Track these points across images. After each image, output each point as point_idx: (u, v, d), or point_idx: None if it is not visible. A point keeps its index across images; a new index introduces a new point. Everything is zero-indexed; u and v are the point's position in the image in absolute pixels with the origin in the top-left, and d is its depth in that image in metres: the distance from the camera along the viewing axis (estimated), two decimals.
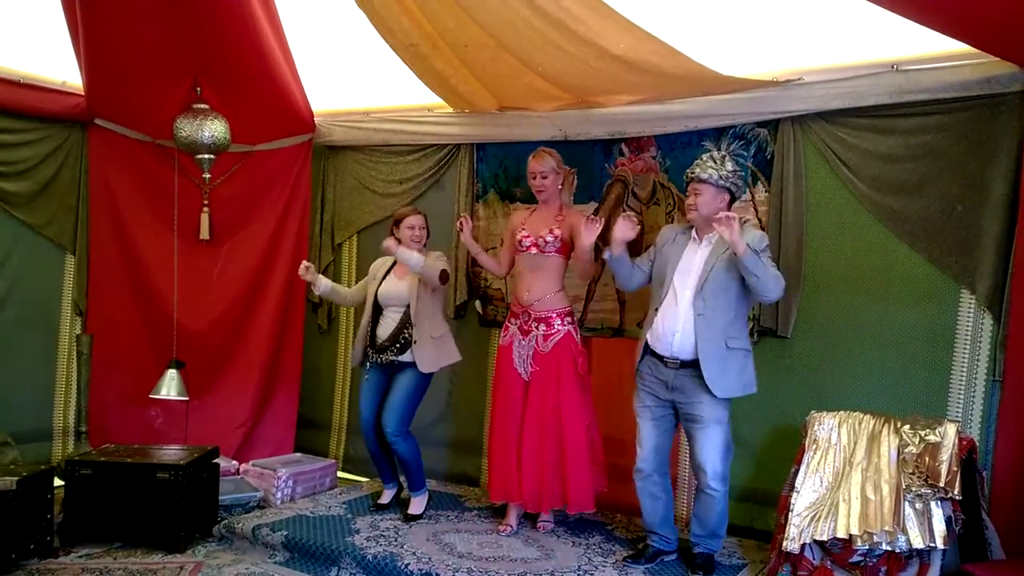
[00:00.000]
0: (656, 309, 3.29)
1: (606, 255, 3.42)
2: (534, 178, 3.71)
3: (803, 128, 3.56)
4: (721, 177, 3.17)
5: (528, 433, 3.63)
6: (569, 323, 3.69)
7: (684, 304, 3.19)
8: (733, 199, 3.28)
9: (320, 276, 4.06)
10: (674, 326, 3.20)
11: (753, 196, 3.72)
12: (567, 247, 3.68)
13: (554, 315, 3.66)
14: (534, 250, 3.68)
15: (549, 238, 3.64)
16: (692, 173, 3.22)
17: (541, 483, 3.64)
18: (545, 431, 3.61)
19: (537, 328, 3.66)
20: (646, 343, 3.31)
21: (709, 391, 3.14)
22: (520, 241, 3.71)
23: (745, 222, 3.67)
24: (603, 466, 3.80)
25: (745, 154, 3.72)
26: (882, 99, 3.34)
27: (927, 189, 3.30)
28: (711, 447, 3.19)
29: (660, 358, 3.26)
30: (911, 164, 3.33)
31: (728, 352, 3.15)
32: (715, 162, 3.19)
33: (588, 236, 3.42)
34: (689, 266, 3.24)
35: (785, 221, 3.59)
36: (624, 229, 3.31)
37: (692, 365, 3.17)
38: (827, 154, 3.52)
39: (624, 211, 4.04)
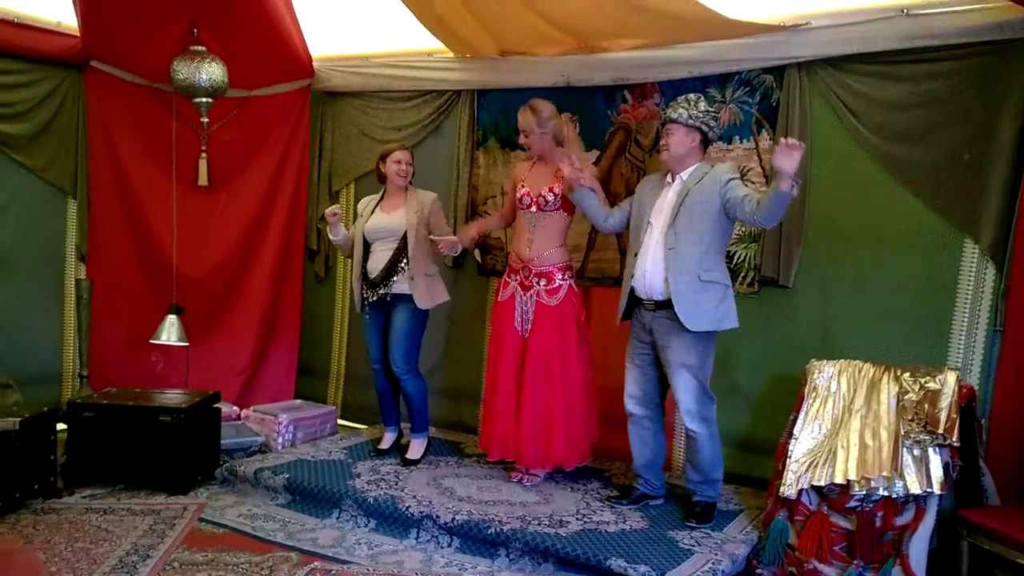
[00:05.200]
0: (635, 254, 3.30)
1: (570, 194, 3.45)
2: (519, 133, 3.65)
3: (809, 74, 3.51)
4: (691, 116, 3.16)
5: (528, 389, 3.59)
6: (569, 277, 3.68)
7: (655, 242, 3.22)
8: (707, 140, 3.26)
9: (342, 226, 4.00)
10: (644, 266, 3.24)
11: (757, 144, 3.68)
12: (569, 203, 3.63)
13: (555, 270, 3.64)
14: (535, 208, 3.64)
15: (550, 197, 3.59)
16: (664, 115, 3.24)
17: (540, 440, 3.61)
18: (546, 386, 3.58)
19: (538, 283, 3.64)
20: (630, 289, 3.32)
21: (679, 334, 3.16)
22: (520, 199, 3.67)
23: (748, 171, 3.67)
24: (596, 417, 3.80)
25: (750, 101, 3.67)
26: (891, 44, 3.28)
27: (934, 137, 3.27)
28: (681, 389, 3.22)
29: (640, 301, 3.29)
30: (918, 111, 3.29)
31: (702, 285, 3.15)
32: (688, 103, 3.19)
33: (568, 178, 3.40)
34: (662, 205, 3.26)
35: None
36: (570, 176, 3.34)
37: (666, 306, 3.18)
38: (833, 101, 3.48)
39: (627, 159, 4.01)
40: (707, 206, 3.14)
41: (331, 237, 4.04)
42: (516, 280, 3.71)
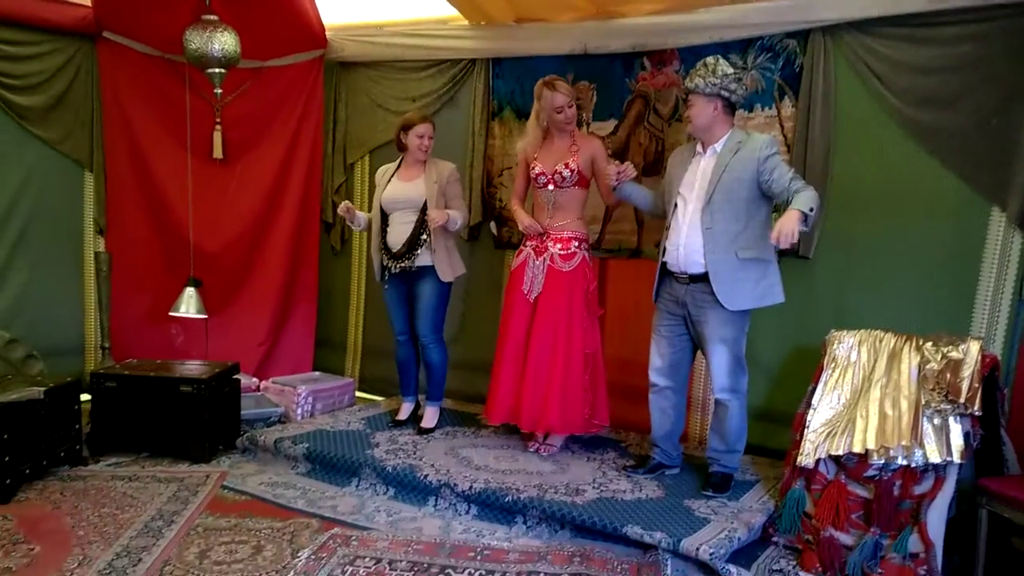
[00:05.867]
0: (667, 227, 3.28)
1: (616, 194, 3.47)
2: (560, 111, 3.54)
3: (834, 39, 3.44)
4: (708, 84, 3.08)
5: (533, 352, 3.59)
6: (585, 249, 3.66)
7: (690, 218, 3.17)
8: (732, 106, 3.17)
9: (359, 212, 3.98)
10: (678, 240, 3.19)
11: (779, 111, 3.62)
12: (585, 178, 3.61)
13: (571, 237, 3.63)
14: (551, 187, 3.61)
15: (566, 173, 3.56)
16: (683, 85, 3.18)
17: (537, 402, 3.59)
18: (549, 350, 3.56)
19: (553, 247, 3.62)
20: (662, 263, 3.30)
21: (715, 309, 3.14)
22: (536, 178, 3.64)
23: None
24: (604, 395, 3.77)
25: (772, 67, 3.61)
26: (919, 6, 3.20)
27: (962, 102, 3.20)
28: (716, 363, 3.21)
29: (672, 274, 3.26)
30: (946, 75, 3.22)
31: (740, 263, 3.10)
32: (706, 68, 3.10)
33: (612, 181, 3.39)
34: (694, 179, 3.19)
35: (812, 137, 3.50)
36: (610, 177, 3.34)
37: (702, 280, 3.15)
38: (858, 66, 3.41)
39: (645, 128, 3.97)
40: (743, 183, 3.08)
41: (355, 229, 4.04)
42: (531, 246, 3.70)
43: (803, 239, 3.54)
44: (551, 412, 3.57)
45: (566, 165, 3.56)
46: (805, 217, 2.87)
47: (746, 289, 3.12)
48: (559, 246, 3.62)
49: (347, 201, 3.98)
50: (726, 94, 3.11)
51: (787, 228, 2.83)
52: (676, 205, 3.23)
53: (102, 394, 3.74)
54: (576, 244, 3.63)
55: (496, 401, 3.71)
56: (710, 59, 3.13)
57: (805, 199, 2.91)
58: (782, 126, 3.61)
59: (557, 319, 3.58)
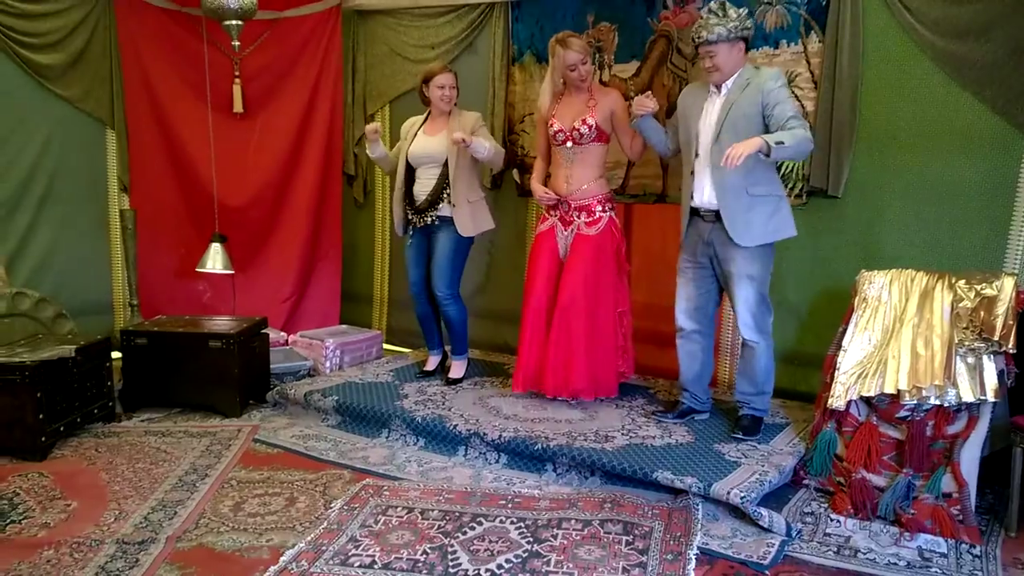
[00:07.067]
0: (691, 172, 3.23)
1: (631, 123, 3.39)
2: (574, 69, 3.47)
3: None
4: (729, 31, 3.02)
5: (557, 316, 3.52)
6: (610, 209, 3.61)
7: (705, 157, 3.15)
8: (748, 45, 3.13)
9: (380, 143, 3.95)
10: (702, 180, 3.18)
11: (806, 47, 3.50)
12: (605, 133, 3.53)
13: (594, 202, 3.57)
14: (570, 143, 3.54)
15: (584, 129, 3.49)
16: (699, 37, 3.08)
17: (559, 366, 3.53)
18: (574, 314, 3.50)
19: (579, 217, 3.58)
20: (690, 207, 3.27)
21: (738, 245, 3.11)
22: (554, 136, 3.57)
23: (796, 76, 3.51)
24: (632, 353, 3.77)
25: (798, 1, 3.48)
26: None
27: (995, 31, 3.07)
28: (742, 300, 3.19)
29: (699, 214, 3.24)
30: (979, 5, 3.08)
31: (751, 200, 3.08)
32: (717, 16, 3.03)
33: (639, 111, 3.31)
34: (709, 119, 3.16)
35: (840, 73, 3.39)
36: (640, 107, 3.28)
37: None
38: None
39: (668, 69, 3.87)
40: (750, 119, 3.04)
41: (369, 154, 4.00)
42: (555, 216, 3.65)
43: (832, 178, 3.47)
44: (577, 377, 3.53)
45: (583, 121, 3.49)
46: (769, 148, 2.82)
47: (759, 225, 3.11)
48: (584, 214, 3.57)
49: (378, 124, 3.98)
50: (745, 33, 3.07)
51: (736, 150, 2.81)
52: (697, 147, 3.20)
53: (133, 351, 3.79)
54: (601, 208, 3.58)
55: (519, 369, 3.65)
56: (714, 5, 3.07)
57: (782, 133, 2.88)
58: (808, 62, 3.50)
59: (583, 281, 3.52)
